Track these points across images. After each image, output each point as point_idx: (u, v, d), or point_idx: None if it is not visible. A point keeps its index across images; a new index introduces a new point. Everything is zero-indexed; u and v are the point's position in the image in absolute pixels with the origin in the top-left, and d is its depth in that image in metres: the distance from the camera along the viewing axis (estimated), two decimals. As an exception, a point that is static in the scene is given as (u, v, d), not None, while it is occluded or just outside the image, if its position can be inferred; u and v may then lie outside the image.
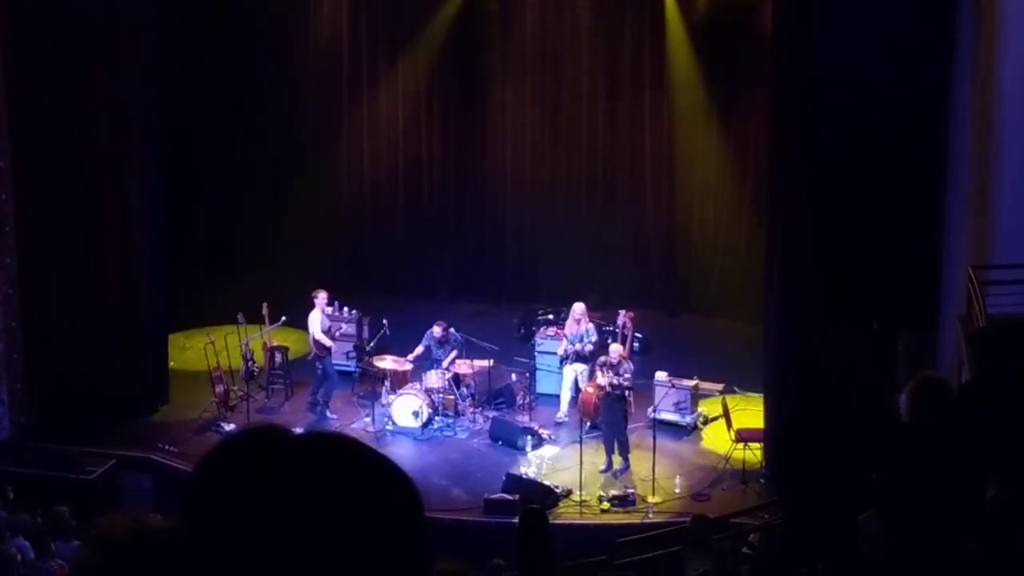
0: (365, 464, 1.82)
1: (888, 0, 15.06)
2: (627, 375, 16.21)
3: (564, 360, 17.58)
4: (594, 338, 17.36)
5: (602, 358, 16.48)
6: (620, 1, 20.84)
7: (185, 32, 19.61)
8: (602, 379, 16.27)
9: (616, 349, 16.53)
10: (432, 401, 17.42)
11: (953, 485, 6.05)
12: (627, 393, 16.32)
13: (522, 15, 21.19)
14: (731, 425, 16.46)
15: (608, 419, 16.30)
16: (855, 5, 15.06)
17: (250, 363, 18.22)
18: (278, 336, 18.50)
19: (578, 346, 17.35)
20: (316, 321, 17.90)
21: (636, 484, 15.86)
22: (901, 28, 14.91)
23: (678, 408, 17.22)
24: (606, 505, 15.37)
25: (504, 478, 15.73)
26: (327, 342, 17.83)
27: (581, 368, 17.34)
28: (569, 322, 17.74)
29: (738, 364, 18.21)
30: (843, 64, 15.01)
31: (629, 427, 17.16)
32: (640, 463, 16.23)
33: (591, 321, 17.65)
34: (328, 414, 17.78)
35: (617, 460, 16.25)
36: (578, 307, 17.71)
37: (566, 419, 17.13)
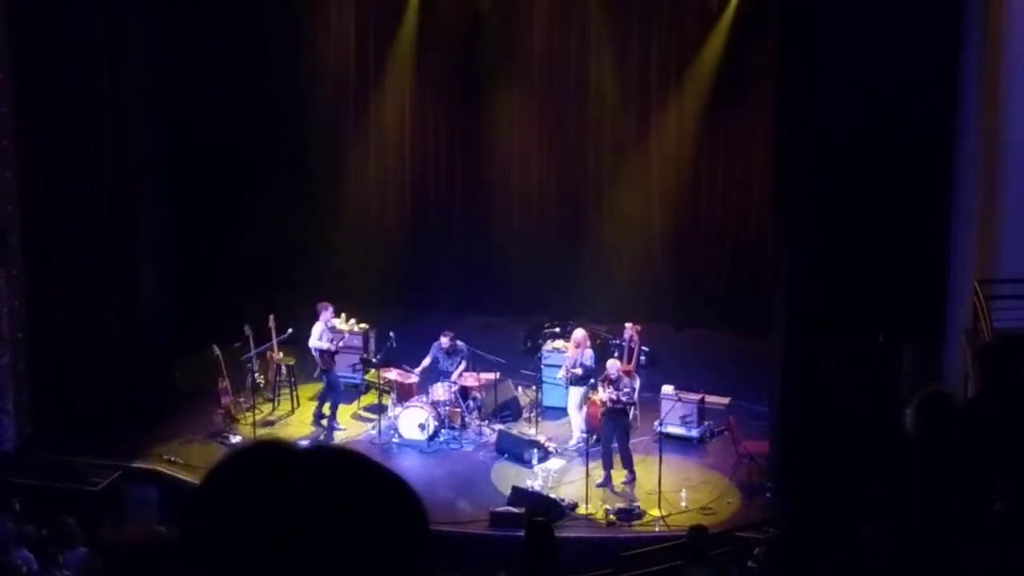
0: (369, 477, 1.83)
1: (894, 11, 15.07)
2: (627, 390, 16.19)
3: (566, 382, 17.48)
4: (589, 363, 17.13)
5: (602, 374, 16.46)
6: (626, 13, 20.85)
7: (191, 45, 19.63)
8: (602, 394, 16.26)
9: (614, 364, 16.50)
10: (438, 414, 17.41)
11: (958, 498, 6.04)
12: (628, 408, 16.30)
13: (528, 28, 21.20)
14: (737, 439, 16.45)
15: (608, 434, 16.26)
16: (861, 15, 15.07)
17: (256, 375, 18.23)
18: (284, 348, 18.50)
19: (575, 370, 17.20)
20: (317, 333, 17.94)
21: (642, 497, 15.85)
22: (907, 40, 14.92)
23: (684, 421, 17.21)
24: (612, 518, 15.35)
25: (510, 491, 15.73)
26: (325, 346, 17.86)
27: (579, 391, 17.21)
28: (570, 346, 17.69)
29: (744, 377, 18.19)
30: (849, 76, 15.02)
31: (634, 440, 17.17)
32: (646, 476, 16.22)
33: (589, 347, 17.49)
34: (336, 426, 17.80)
35: (622, 473, 16.22)
36: (578, 334, 17.68)
37: (580, 443, 16.92)
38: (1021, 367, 7.32)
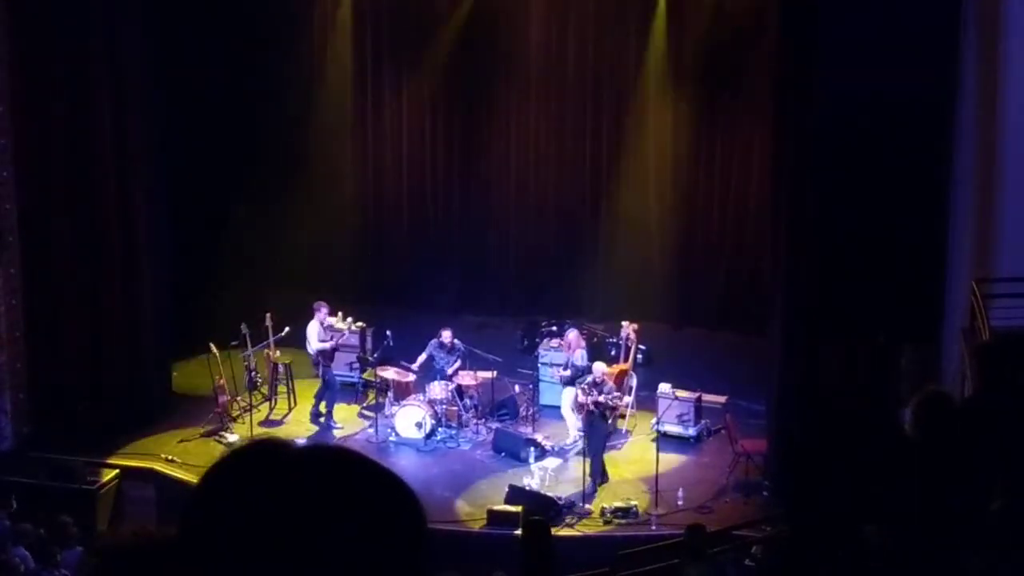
0: (366, 476, 1.83)
1: (893, 13, 15.06)
2: (613, 394, 16.17)
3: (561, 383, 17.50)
4: (580, 364, 17.11)
5: (587, 377, 16.44)
6: (624, 15, 20.84)
7: (191, 45, 19.60)
8: (583, 397, 16.23)
9: (600, 367, 16.49)
10: (435, 412, 17.40)
11: (958, 498, 6.04)
12: (608, 412, 16.28)
13: (527, 29, 21.19)
14: (734, 437, 16.45)
15: (589, 438, 16.23)
16: (861, 16, 15.05)
17: (253, 373, 18.22)
18: (281, 347, 18.49)
19: (564, 372, 17.23)
20: (314, 332, 17.92)
21: (639, 496, 15.84)
22: (905, 42, 14.91)
23: (681, 420, 17.21)
24: (608, 517, 15.35)
25: (507, 490, 15.72)
26: (325, 346, 17.84)
27: (572, 392, 17.20)
28: (564, 346, 17.75)
29: (743, 377, 18.18)
30: (846, 77, 15.01)
31: (632, 439, 17.17)
32: (644, 475, 16.22)
33: (581, 348, 17.47)
34: (332, 424, 17.80)
35: (617, 472, 16.20)
36: (570, 335, 17.71)
37: (578, 442, 16.91)
38: (1018, 366, 7.31)
